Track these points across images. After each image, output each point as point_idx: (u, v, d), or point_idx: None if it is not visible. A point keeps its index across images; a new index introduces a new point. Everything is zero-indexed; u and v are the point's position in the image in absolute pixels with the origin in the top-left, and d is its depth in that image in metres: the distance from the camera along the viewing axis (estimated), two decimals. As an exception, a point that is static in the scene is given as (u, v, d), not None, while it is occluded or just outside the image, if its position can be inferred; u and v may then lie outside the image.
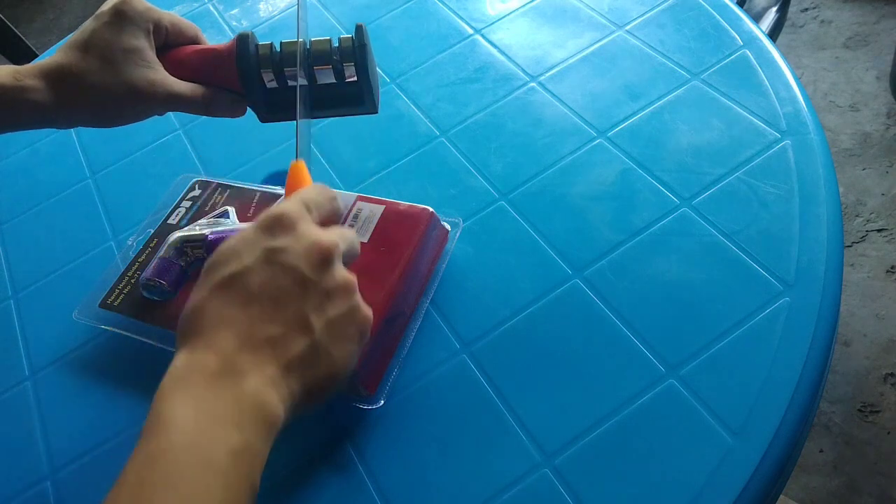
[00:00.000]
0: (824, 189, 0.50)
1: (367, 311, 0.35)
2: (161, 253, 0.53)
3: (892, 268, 1.24)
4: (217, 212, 0.58)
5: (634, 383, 0.44)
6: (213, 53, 0.48)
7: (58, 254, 0.63)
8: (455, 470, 0.43)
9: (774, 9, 0.98)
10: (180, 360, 0.30)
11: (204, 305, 0.31)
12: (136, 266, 0.55)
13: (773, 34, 0.97)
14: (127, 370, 0.53)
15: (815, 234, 0.48)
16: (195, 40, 0.49)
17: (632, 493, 0.40)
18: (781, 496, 0.78)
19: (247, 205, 0.58)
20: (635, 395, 0.44)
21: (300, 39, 0.46)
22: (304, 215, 0.34)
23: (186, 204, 0.60)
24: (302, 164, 0.40)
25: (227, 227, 0.55)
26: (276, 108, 0.51)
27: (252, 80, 0.47)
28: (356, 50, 0.47)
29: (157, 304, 0.52)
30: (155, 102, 0.45)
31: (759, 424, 0.41)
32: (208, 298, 0.31)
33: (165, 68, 0.46)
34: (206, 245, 0.53)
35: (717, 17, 0.65)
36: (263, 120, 0.52)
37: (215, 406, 0.28)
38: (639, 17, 0.67)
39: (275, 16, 0.81)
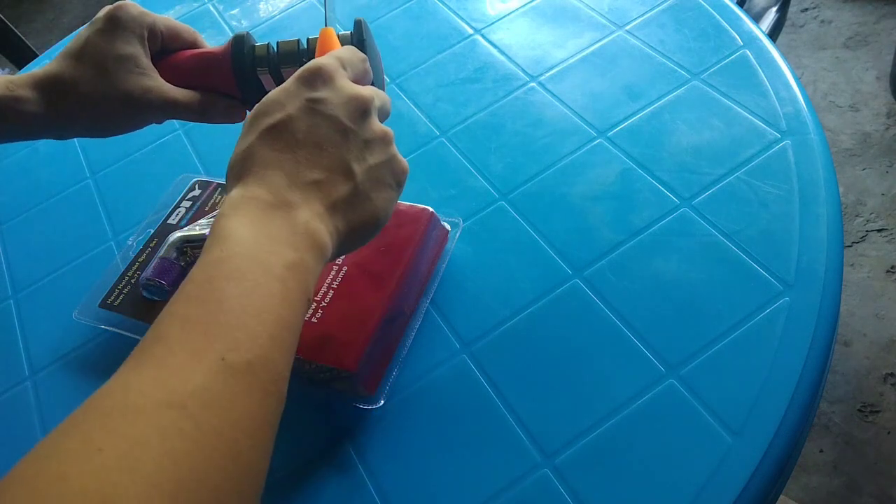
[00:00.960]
0: (824, 189, 0.50)
1: (404, 161, 0.37)
2: (161, 253, 0.53)
3: (892, 268, 1.24)
4: (217, 212, 0.58)
5: (634, 383, 0.44)
6: (209, 56, 0.46)
7: (58, 254, 0.63)
8: (455, 470, 0.43)
9: (774, 9, 0.98)
10: (234, 193, 0.32)
11: (253, 150, 0.33)
12: (136, 266, 0.55)
13: (773, 34, 0.97)
14: (127, 370, 0.53)
15: (815, 234, 0.48)
16: (193, 45, 0.48)
17: (632, 492, 0.40)
18: (781, 496, 0.78)
19: None
20: (635, 395, 0.44)
21: (337, 30, 0.45)
22: (340, 70, 0.35)
23: (186, 204, 0.60)
24: (331, 30, 0.42)
25: None
26: None
27: (248, 83, 0.45)
28: (355, 46, 0.43)
29: (157, 304, 0.52)
30: (150, 110, 0.44)
31: (759, 424, 0.41)
32: (256, 143, 0.33)
33: (161, 74, 0.45)
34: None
35: (717, 17, 0.65)
36: None
37: (271, 228, 0.31)
38: (639, 17, 0.67)
39: (275, 16, 0.81)
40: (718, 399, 0.42)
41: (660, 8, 0.67)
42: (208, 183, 0.61)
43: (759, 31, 0.63)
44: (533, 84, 0.64)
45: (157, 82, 0.44)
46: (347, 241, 0.34)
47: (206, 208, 0.59)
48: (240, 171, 0.33)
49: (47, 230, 0.66)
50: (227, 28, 0.81)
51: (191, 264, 0.52)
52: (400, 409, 0.46)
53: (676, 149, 0.56)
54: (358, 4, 0.78)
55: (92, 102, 0.43)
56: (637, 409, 0.43)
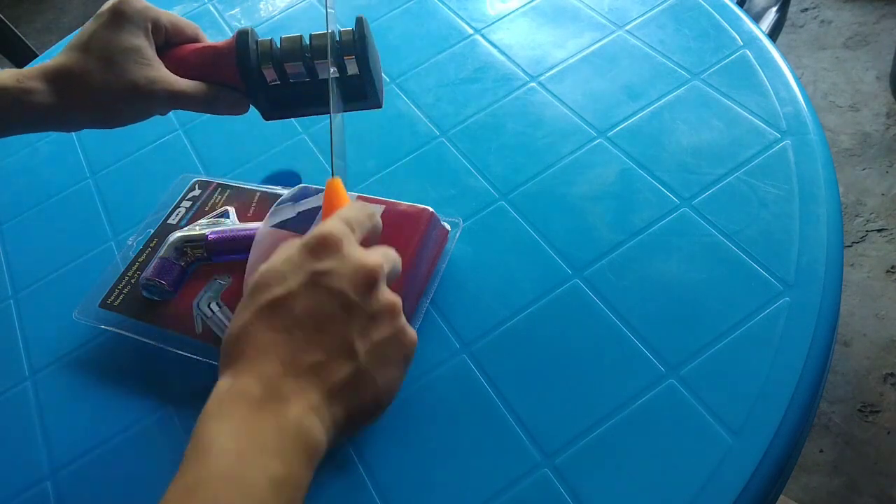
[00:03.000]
0: (824, 189, 0.50)
1: (412, 333, 0.34)
2: (161, 253, 0.53)
3: (892, 268, 1.24)
4: (217, 212, 0.58)
5: (634, 383, 0.44)
6: (214, 50, 0.47)
7: (58, 254, 0.63)
8: (455, 470, 0.43)
9: (774, 9, 0.98)
10: (224, 386, 0.30)
11: (248, 329, 0.31)
12: (136, 266, 0.55)
13: (773, 34, 0.97)
14: (127, 370, 0.53)
15: (815, 234, 0.48)
16: (195, 39, 0.48)
17: (632, 492, 0.40)
18: (781, 496, 0.78)
19: (247, 205, 0.58)
20: (635, 395, 0.44)
21: (329, 31, 0.46)
22: (347, 236, 0.33)
23: (186, 204, 0.60)
24: (339, 181, 0.39)
25: (227, 227, 0.55)
26: (278, 104, 0.50)
27: (253, 77, 0.46)
28: (356, 42, 0.46)
29: (157, 304, 0.52)
30: (156, 101, 0.44)
31: (759, 424, 0.41)
32: (252, 322, 0.31)
33: (167, 67, 0.45)
34: (206, 245, 0.53)
35: (717, 17, 0.65)
36: (267, 118, 0.51)
37: (257, 434, 0.28)
38: (639, 17, 0.67)
39: (275, 15, 0.81)
40: (718, 399, 0.42)
41: (660, 8, 0.67)
42: (208, 183, 0.61)
43: (759, 31, 0.63)
44: (533, 84, 0.64)
45: (162, 73, 0.44)
46: (347, 429, 0.32)
47: (206, 208, 0.59)
48: (232, 354, 0.31)
49: (47, 230, 0.66)
50: (227, 28, 0.81)
51: (191, 264, 0.52)
52: (400, 409, 0.46)
53: (676, 149, 0.56)
54: (358, 4, 0.78)
55: (100, 93, 0.43)
56: (637, 409, 0.43)
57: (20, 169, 0.73)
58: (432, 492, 0.43)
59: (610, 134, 0.58)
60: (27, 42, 1.55)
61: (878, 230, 1.29)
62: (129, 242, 0.59)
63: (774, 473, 0.40)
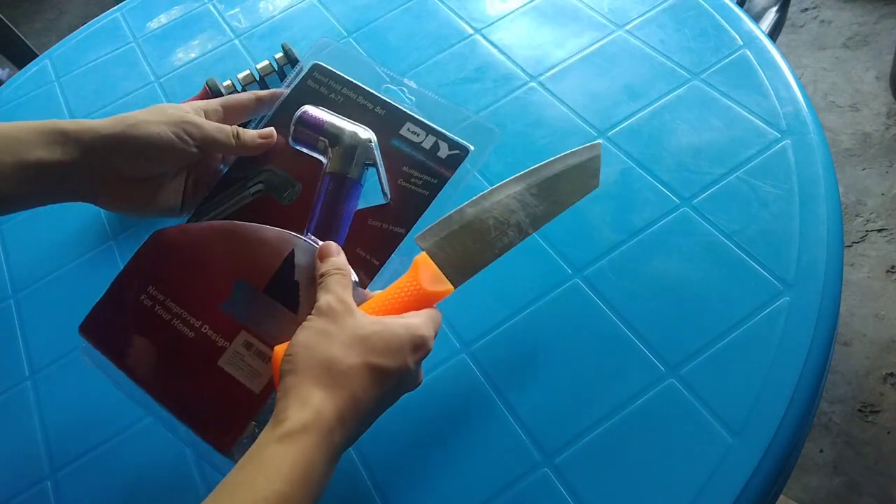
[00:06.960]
0: (824, 189, 0.50)
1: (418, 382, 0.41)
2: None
3: (892, 268, 1.24)
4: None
5: (634, 383, 0.44)
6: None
7: (58, 254, 0.63)
8: (455, 470, 0.43)
9: (774, 9, 0.98)
10: (323, 406, 0.34)
11: (357, 376, 0.36)
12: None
13: (773, 34, 0.97)
14: (127, 370, 0.53)
15: (815, 234, 0.48)
16: None
17: (632, 492, 0.40)
18: (781, 496, 0.78)
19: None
20: (635, 395, 0.44)
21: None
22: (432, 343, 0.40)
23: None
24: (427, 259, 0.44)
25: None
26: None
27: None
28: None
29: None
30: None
31: (759, 424, 0.41)
32: (363, 373, 0.36)
33: None
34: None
35: (717, 17, 0.65)
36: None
37: (321, 465, 0.34)
38: (639, 17, 0.67)
39: (275, 16, 0.80)
40: (718, 399, 0.42)
41: (660, 8, 0.67)
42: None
43: (759, 31, 0.63)
44: (533, 84, 0.64)
45: None
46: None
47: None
48: (339, 380, 0.35)
49: (47, 230, 0.66)
50: (227, 28, 0.81)
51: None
52: (399, 409, 0.46)
53: (676, 149, 0.56)
54: (357, 4, 0.78)
55: None
56: (637, 409, 0.43)
57: (20, 169, 0.73)
58: (433, 491, 0.43)
59: (610, 134, 0.58)
60: (27, 42, 1.55)
61: (878, 230, 1.29)
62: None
63: (774, 473, 0.40)
